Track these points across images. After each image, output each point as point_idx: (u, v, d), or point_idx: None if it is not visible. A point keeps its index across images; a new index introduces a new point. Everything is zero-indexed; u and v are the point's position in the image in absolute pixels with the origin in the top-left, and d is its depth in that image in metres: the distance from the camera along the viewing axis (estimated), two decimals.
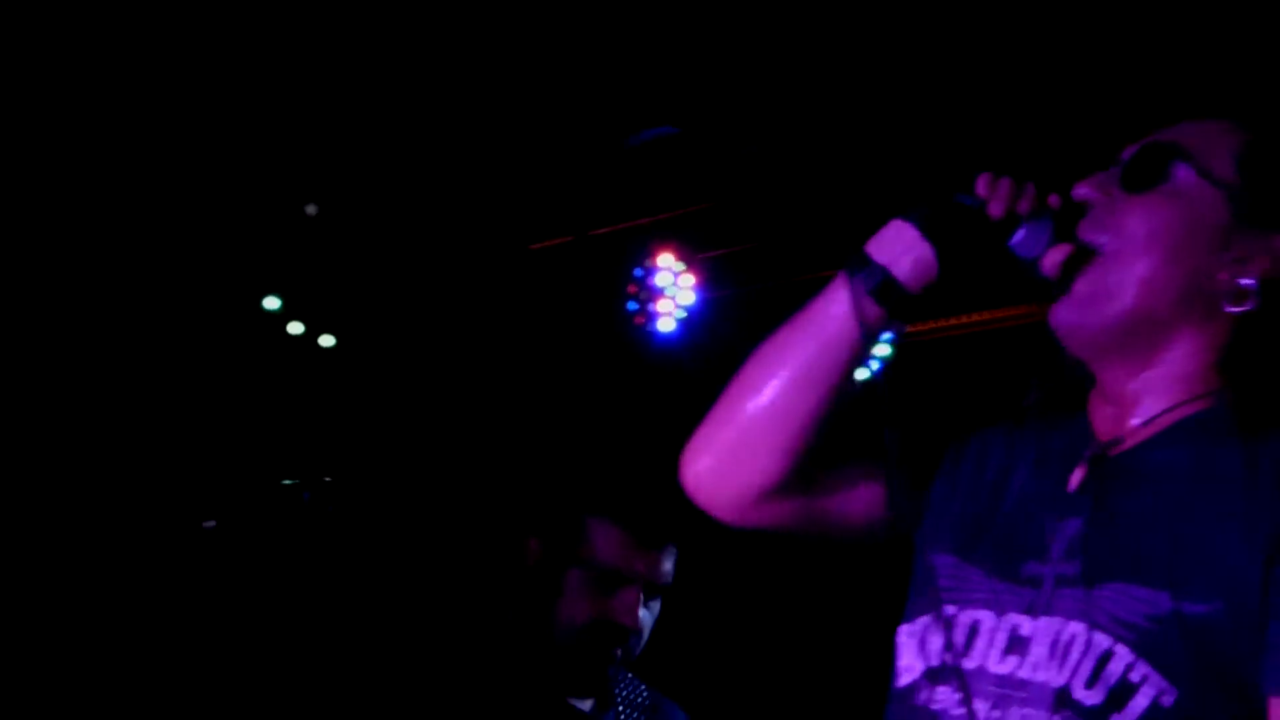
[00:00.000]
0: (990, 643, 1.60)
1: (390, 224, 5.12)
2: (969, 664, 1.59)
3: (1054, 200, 1.68)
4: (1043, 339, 1.70)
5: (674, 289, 5.15)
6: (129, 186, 4.67)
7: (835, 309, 1.71)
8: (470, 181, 4.93)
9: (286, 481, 4.16)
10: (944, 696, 1.61)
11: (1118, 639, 1.50)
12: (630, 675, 2.93)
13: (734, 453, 1.77)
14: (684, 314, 5.17)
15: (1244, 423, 1.59)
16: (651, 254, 5.13)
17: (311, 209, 4.90)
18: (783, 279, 4.96)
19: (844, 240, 1.73)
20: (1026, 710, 1.53)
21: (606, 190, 4.98)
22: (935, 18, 3.82)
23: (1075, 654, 1.52)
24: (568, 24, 4.03)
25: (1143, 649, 1.49)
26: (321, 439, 5.21)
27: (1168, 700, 1.48)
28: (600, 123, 4.55)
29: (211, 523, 4.25)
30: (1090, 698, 1.50)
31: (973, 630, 1.61)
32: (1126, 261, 1.63)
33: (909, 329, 4.76)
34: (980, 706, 1.56)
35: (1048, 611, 1.57)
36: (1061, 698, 1.51)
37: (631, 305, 5.17)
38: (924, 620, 1.68)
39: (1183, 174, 1.65)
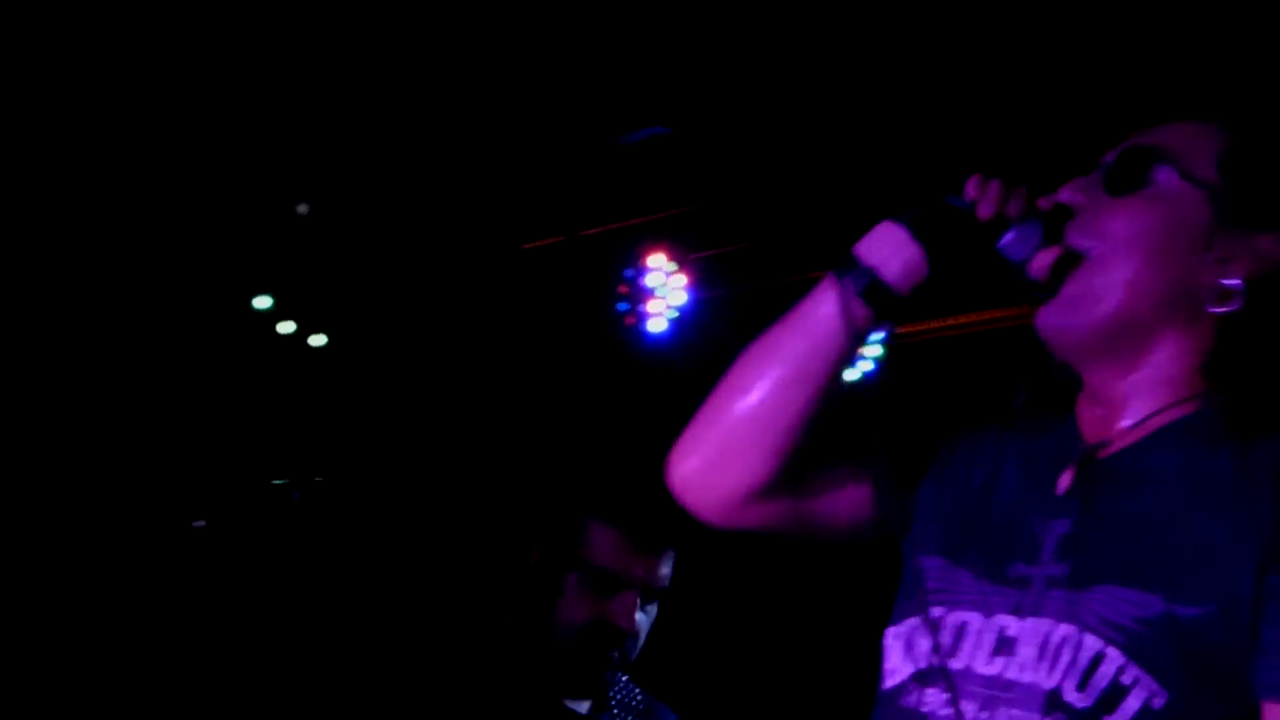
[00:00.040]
0: (978, 644, 1.59)
1: (381, 223, 5.12)
2: (956, 665, 1.59)
3: (1044, 203, 1.68)
4: (1031, 341, 1.70)
5: (665, 289, 5.15)
6: (120, 186, 4.67)
7: (824, 310, 1.70)
8: (461, 181, 4.93)
9: (277, 481, 4.17)
10: (932, 698, 1.60)
11: (1109, 641, 1.50)
12: (625, 678, 2.93)
13: (721, 454, 1.76)
14: (675, 314, 5.17)
15: (1234, 426, 1.59)
16: (642, 254, 5.14)
17: (303, 208, 4.90)
18: (774, 279, 4.97)
19: (836, 241, 1.73)
20: (1014, 711, 1.53)
21: (597, 190, 4.98)
22: (927, 19, 3.83)
23: (1066, 656, 1.51)
24: (559, 24, 4.03)
25: (1134, 651, 1.49)
26: (312, 439, 5.20)
27: (1159, 703, 1.48)
28: (592, 123, 4.55)
29: (201, 522, 4.26)
30: (1081, 700, 1.49)
31: (960, 631, 1.61)
32: (1111, 264, 1.63)
33: (899, 329, 4.76)
34: (968, 707, 1.56)
35: (1036, 612, 1.57)
36: (1053, 700, 1.50)
37: (622, 305, 5.17)
38: (911, 622, 1.67)
39: (1164, 176, 1.65)
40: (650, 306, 5.15)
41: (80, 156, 4.52)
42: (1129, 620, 1.50)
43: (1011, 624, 1.58)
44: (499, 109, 4.46)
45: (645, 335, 5.20)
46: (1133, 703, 1.48)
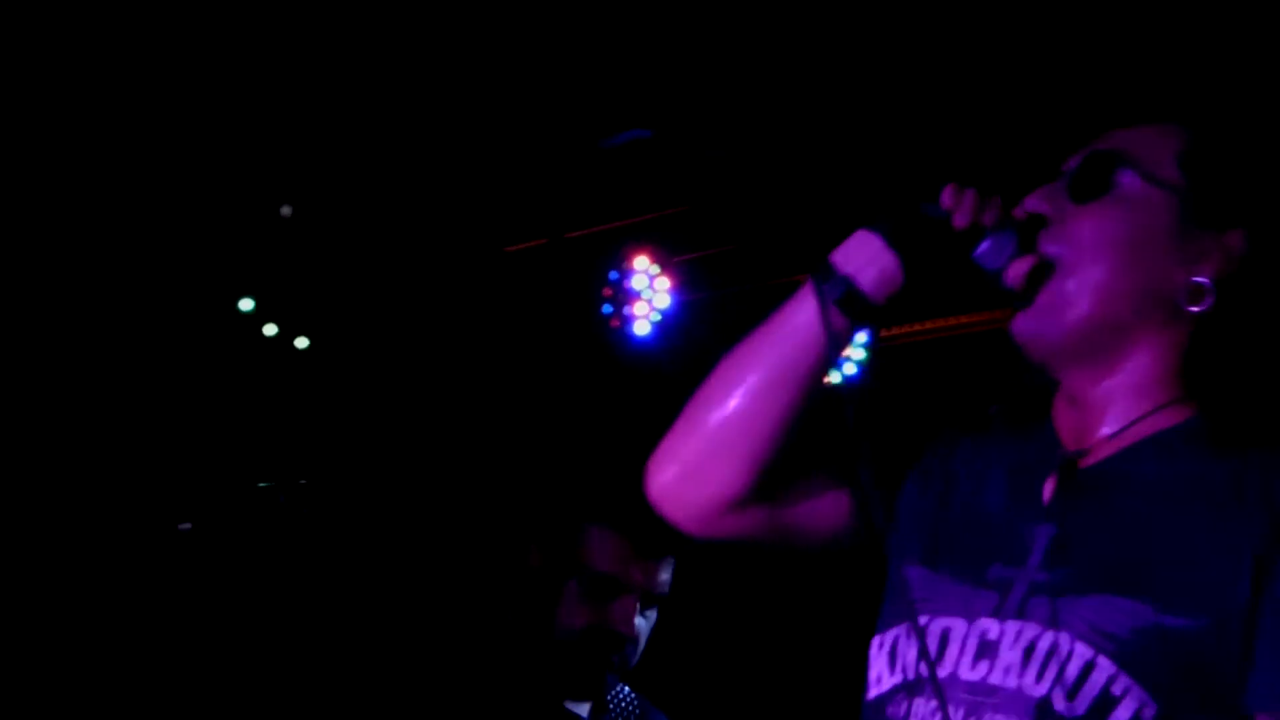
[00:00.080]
0: (961, 649, 1.59)
1: (365, 226, 5.12)
2: (941, 673, 1.59)
3: (1019, 212, 1.69)
4: (1007, 346, 1.71)
5: (650, 292, 5.14)
6: (103, 189, 4.66)
7: (800, 318, 1.70)
8: (445, 183, 4.93)
9: (262, 484, 4.17)
10: (919, 708, 1.60)
11: (1100, 650, 1.50)
12: (623, 685, 2.94)
13: (699, 463, 1.76)
14: (659, 317, 5.17)
15: (1220, 437, 1.60)
16: (627, 257, 5.13)
17: (286, 211, 4.90)
18: (759, 282, 4.97)
19: (820, 244, 1.73)
20: (999, 717, 1.53)
21: (581, 192, 4.98)
22: (910, 24, 3.84)
23: (1056, 664, 1.52)
24: (543, 26, 4.03)
25: (1124, 661, 1.49)
26: (297, 441, 5.20)
27: (1148, 714, 1.48)
28: (575, 125, 4.55)
29: (187, 525, 4.25)
30: (1072, 710, 1.50)
31: (944, 638, 1.61)
32: (1082, 270, 1.64)
33: (882, 333, 4.78)
34: (955, 716, 1.56)
35: (1019, 616, 1.57)
36: (1042, 709, 1.51)
37: (607, 308, 5.17)
38: (894, 632, 1.67)
39: (1128, 180, 1.66)
40: (635, 309, 5.15)
41: (63, 159, 4.51)
42: (1122, 629, 1.51)
43: (993, 627, 1.58)
44: (482, 111, 4.46)
45: (630, 338, 5.20)
46: (1123, 713, 1.49)
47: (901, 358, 4.94)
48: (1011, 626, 1.57)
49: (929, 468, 1.81)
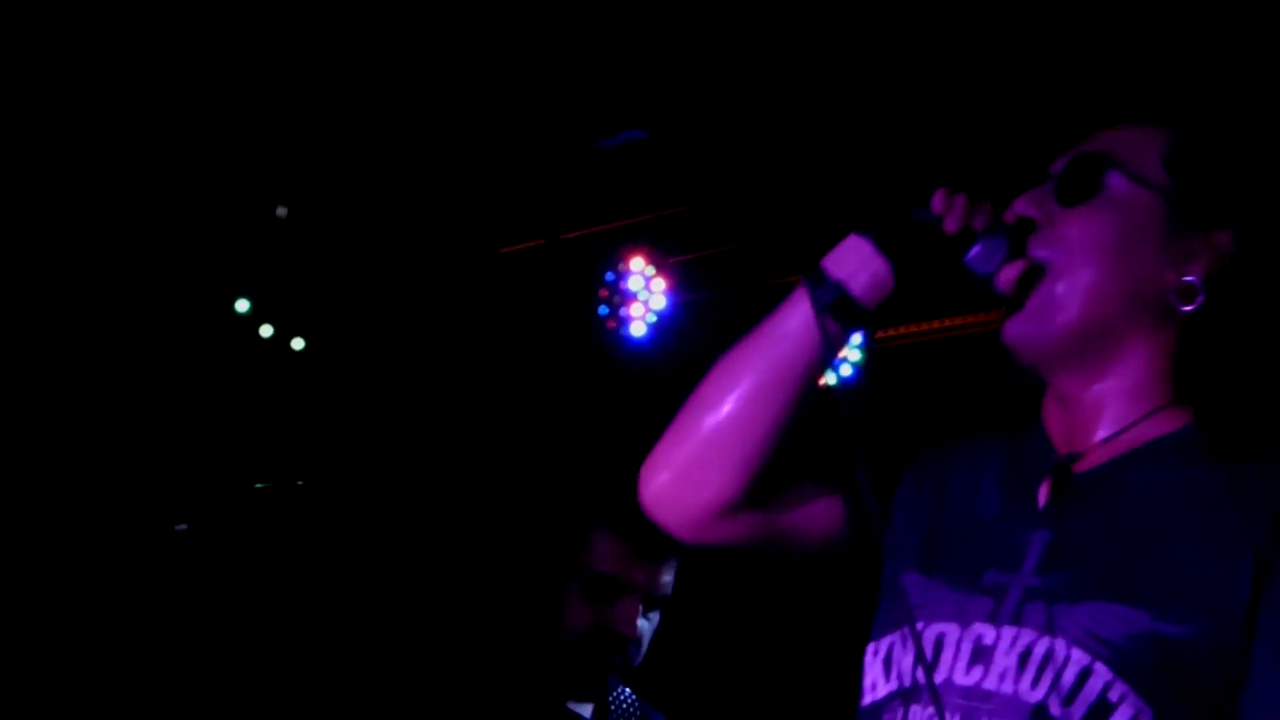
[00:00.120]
0: (956, 654, 1.59)
1: (361, 227, 5.12)
2: (936, 679, 1.59)
3: (1009, 216, 1.69)
4: (997, 350, 1.71)
5: (645, 293, 5.15)
6: (99, 190, 4.65)
7: (792, 324, 1.70)
8: (441, 184, 4.93)
9: (259, 485, 4.17)
10: (916, 715, 1.60)
11: (1096, 656, 1.50)
12: (624, 687, 2.95)
13: (692, 469, 1.75)
14: (655, 318, 5.17)
15: (1218, 446, 1.60)
16: (623, 258, 5.14)
17: (282, 211, 4.89)
18: (755, 283, 4.97)
19: (817, 245, 1.74)
20: None
21: (577, 194, 4.98)
22: (906, 25, 3.85)
23: (1052, 670, 1.52)
24: (539, 27, 4.03)
25: (1120, 668, 1.49)
26: (293, 442, 5.19)
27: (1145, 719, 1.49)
28: (571, 126, 4.56)
29: (184, 526, 4.25)
30: (1068, 715, 1.49)
31: (938, 644, 1.61)
32: (1072, 273, 1.64)
33: (878, 335, 4.78)
34: None
35: (1014, 621, 1.57)
36: (1039, 714, 1.51)
37: (603, 310, 5.17)
38: (889, 639, 1.67)
39: (1115, 181, 1.66)
40: (631, 310, 5.15)
41: (59, 160, 4.51)
42: (1117, 636, 1.51)
43: (988, 632, 1.58)
44: (478, 112, 4.46)
45: (626, 339, 5.20)
46: (1120, 719, 1.49)
47: (898, 359, 4.95)
48: (1007, 632, 1.56)
49: (923, 473, 1.81)
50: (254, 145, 4.61)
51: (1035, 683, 1.52)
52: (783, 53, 4.05)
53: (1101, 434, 1.66)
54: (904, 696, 1.62)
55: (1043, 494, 1.66)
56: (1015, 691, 1.53)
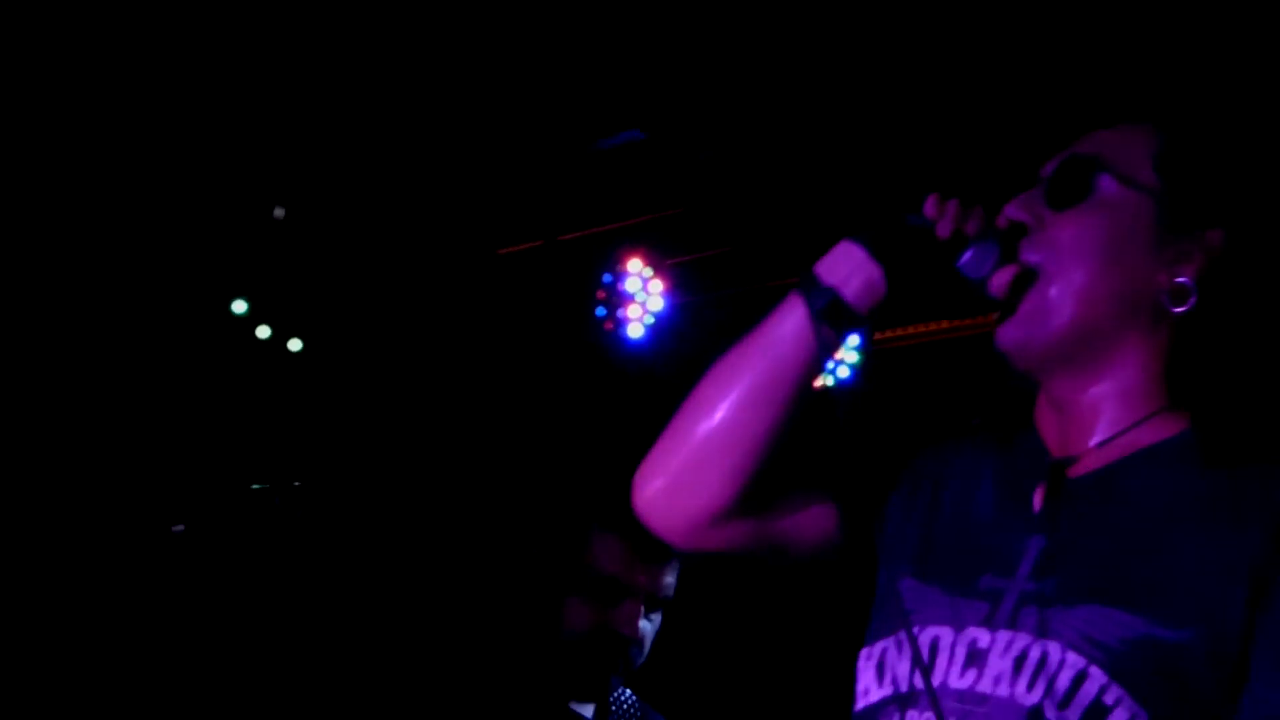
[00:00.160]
0: (950, 658, 1.59)
1: (358, 228, 5.12)
2: (932, 683, 1.58)
3: (1002, 221, 1.69)
4: (994, 353, 1.71)
5: (643, 295, 5.15)
6: (96, 191, 4.65)
7: (785, 330, 1.70)
8: (438, 186, 4.93)
9: (256, 486, 4.16)
10: (912, 719, 1.59)
11: (1091, 660, 1.50)
12: (625, 688, 2.96)
13: (686, 475, 1.74)
14: (653, 320, 5.18)
15: (1215, 451, 1.60)
16: (620, 259, 5.14)
17: (279, 212, 4.89)
18: (752, 285, 4.98)
19: (814, 246, 1.74)
20: None
21: (575, 195, 4.98)
22: (901, 32, 3.85)
23: (1047, 674, 1.51)
24: (537, 29, 4.03)
25: (1116, 671, 1.49)
26: (290, 443, 5.19)
27: None
28: (568, 128, 4.56)
29: (180, 527, 4.24)
30: (1064, 718, 1.49)
31: (934, 648, 1.61)
32: (1064, 277, 1.64)
33: (875, 337, 4.78)
34: None
35: (1010, 625, 1.56)
36: (1034, 717, 1.50)
37: (600, 311, 5.17)
38: (882, 644, 1.67)
39: (1105, 184, 1.66)
40: (628, 312, 5.15)
41: (57, 162, 4.51)
42: (1112, 640, 1.50)
43: (983, 636, 1.58)
44: (476, 114, 4.46)
45: (624, 341, 5.20)
46: None
47: (896, 361, 4.95)
48: (1002, 636, 1.56)
49: (917, 477, 1.80)
50: (251, 147, 4.61)
51: (1031, 686, 1.52)
52: (779, 56, 4.06)
53: (1096, 438, 1.66)
54: (900, 702, 1.61)
55: (1037, 498, 1.66)
56: (1011, 695, 1.52)
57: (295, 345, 5.14)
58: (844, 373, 4.95)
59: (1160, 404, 1.65)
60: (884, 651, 1.66)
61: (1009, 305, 1.67)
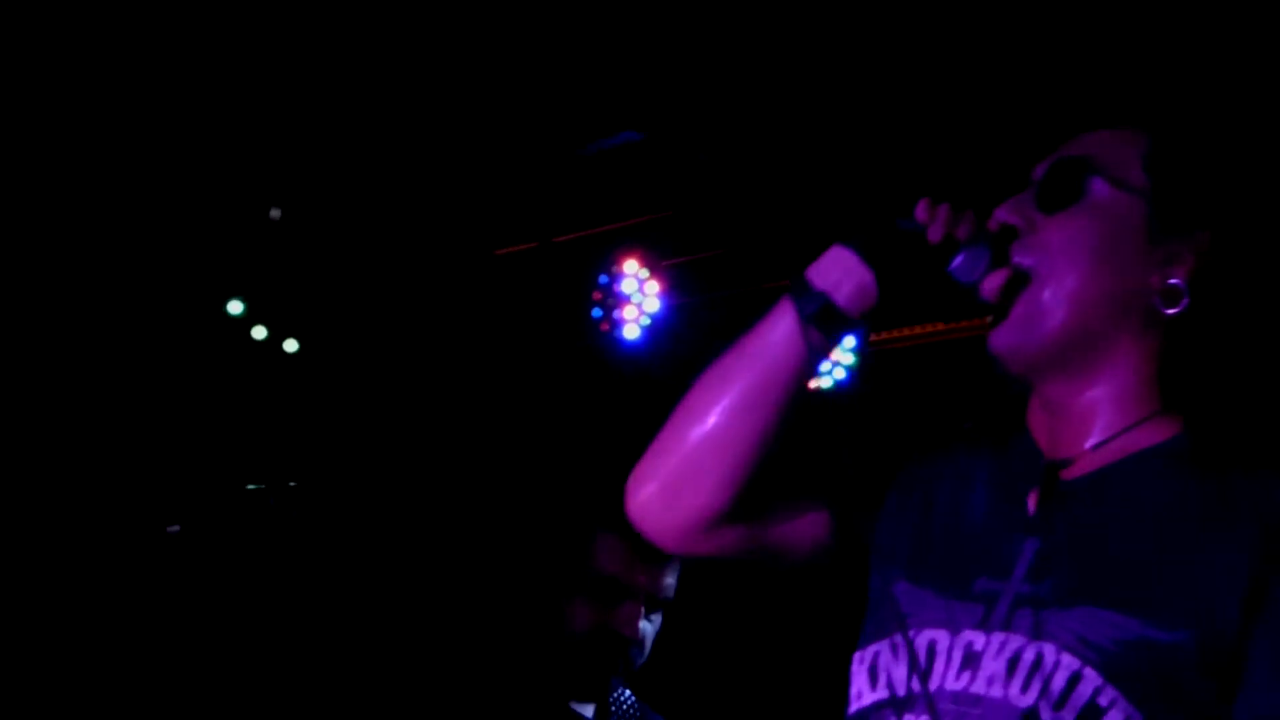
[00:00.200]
0: (947, 661, 1.59)
1: (354, 229, 5.12)
2: (929, 686, 1.59)
3: (993, 224, 1.69)
4: (986, 356, 1.71)
5: (639, 296, 5.15)
6: (92, 192, 4.65)
7: (777, 334, 1.69)
8: (435, 187, 4.93)
9: (251, 486, 4.17)
10: None
11: (1086, 661, 1.50)
12: (624, 689, 2.96)
13: (678, 481, 1.74)
14: (649, 321, 5.18)
15: (1208, 455, 1.60)
16: (616, 260, 5.14)
17: (275, 213, 4.89)
18: (748, 286, 4.98)
19: (811, 247, 1.74)
20: None
21: (571, 196, 4.98)
22: (892, 37, 3.86)
23: (1041, 675, 1.52)
24: (533, 30, 4.04)
25: (1111, 672, 1.49)
26: (286, 444, 5.19)
27: None
28: (565, 129, 4.56)
29: (176, 527, 4.25)
30: (1059, 719, 1.50)
31: (930, 651, 1.61)
32: (1056, 280, 1.64)
33: (872, 338, 4.78)
34: None
35: (1004, 627, 1.57)
36: (1029, 719, 1.51)
37: (596, 312, 5.17)
38: (875, 647, 1.67)
39: (1096, 186, 1.66)
40: (625, 313, 5.15)
41: (54, 163, 4.51)
42: (1107, 641, 1.51)
43: (978, 639, 1.58)
44: (472, 115, 4.46)
45: (620, 342, 5.20)
46: None
47: (886, 364, 4.95)
48: (997, 638, 1.56)
49: (910, 481, 1.80)
50: (247, 147, 4.61)
51: (1025, 688, 1.52)
52: (775, 59, 4.06)
53: (1090, 441, 1.66)
54: (895, 705, 1.61)
55: (1031, 501, 1.66)
56: (1005, 696, 1.53)
57: (291, 346, 5.13)
58: (840, 375, 4.95)
59: (1154, 407, 1.65)
60: (877, 655, 1.66)
61: (1001, 309, 1.67)
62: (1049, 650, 1.52)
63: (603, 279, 5.14)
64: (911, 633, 1.63)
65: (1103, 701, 1.49)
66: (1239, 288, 1.66)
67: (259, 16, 3.96)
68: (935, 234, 1.65)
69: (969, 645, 1.58)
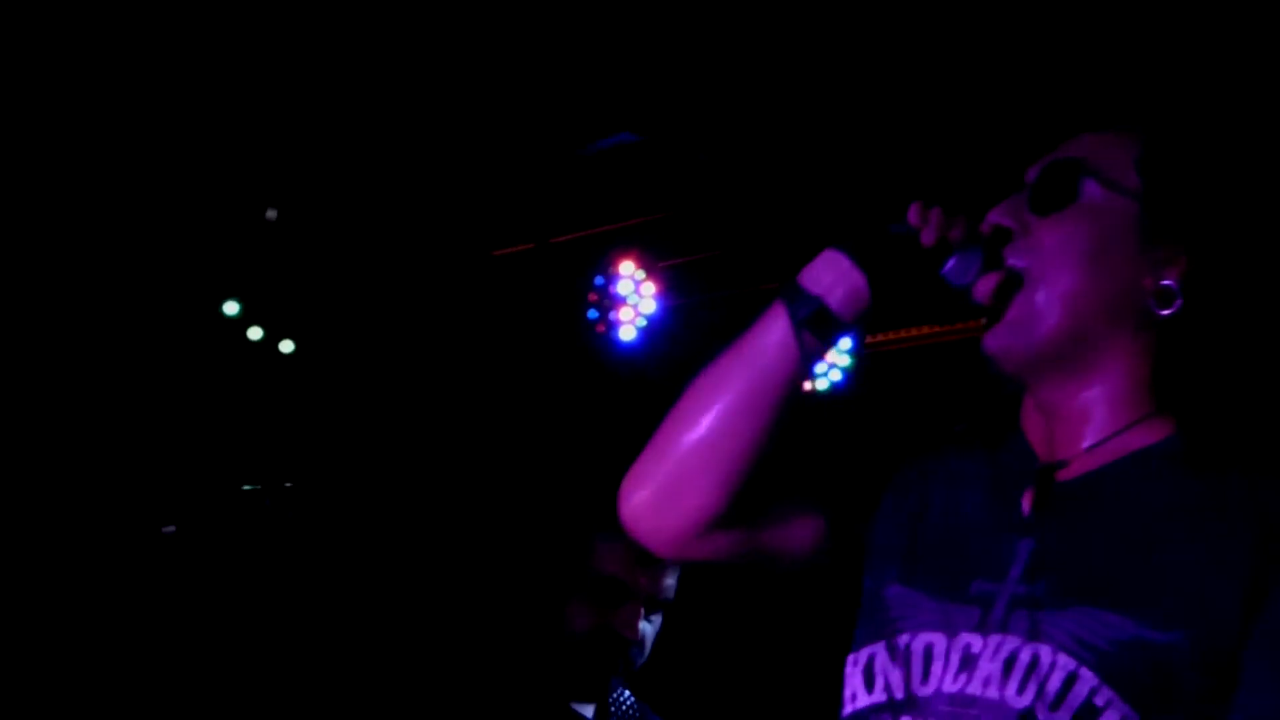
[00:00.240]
0: (945, 665, 1.59)
1: (351, 229, 5.12)
2: (926, 690, 1.59)
3: (986, 227, 1.69)
4: (980, 358, 1.71)
5: (635, 297, 5.15)
6: (88, 192, 4.65)
7: (769, 338, 1.69)
8: (431, 187, 4.93)
9: (247, 487, 4.17)
10: None
11: (1082, 662, 1.50)
12: (624, 690, 2.97)
13: (672, 486, 1.73)
14: (645, 322, 5.18)
15: (1203, 456, 1.60)
16: (612, 262, 5.14)
17: (271, 214, 4.89)
18: (744, 287, 4.98)
19: (804, 249, 1.74)
20: None
21: (567, 197, 4.99)
22: (887, 39, 3.86)
23: (1037, 676, 1.52)
24: (531, 31, 4.04)
25: (1106, 673, 1.49)
26: (282, 444, 5.19)
27: None
28: (561, 130, 4.56)
29: (171, 528, 4.24)
30: None
31: (927, 655, 1.61)
32: (1050, 282, 1.64)
33: (867, 340, 4.79)
34: None
35: (1001, 629, 1.57)
36: (1025, 719, 1.51)
37: (592, 313, 5.17)
38: (869, 650, 1.67)
39: (1089, 188, 1.66)
40: (621, 314, 5.15)
41: (50, 163, 4.51)
42: (1103, 642, 1.51)
43: (975, 641, 1.58)
44: (469, 116, 4.47)
45: (616, 343, 5.20)
46: None
47: (879, 366, 4.95)
48: (993, 640, 1.56)
49: (904, 484, 1.80)
50: (244, 148, 4.61)
51: (1021, 689, 1.52)
52: (771, 61, 4.06)
53: (1084, 442, 1.66)
54: (893, 708, 1.61)
55: (1026, 502, 1.66)
56: (1001, 697, 1.53)
57: (287, 347, 5.13)
58: (836, 377, 4.96)
59: (1148, 408, 1.65)
60: (872, 657, 1.66)
61: (995, 311, 1.67)
62: (1045, 651, 1.52)
63: (599, 280, 5.14)
64: (909, 636, 1.63)
65: (1099, 702, 1.49)
66: (1232, 289, 1.66)
67: (255, 17, 3.96)
68: (928, 237, 1.65)
69: (967, 648, 1.58)
